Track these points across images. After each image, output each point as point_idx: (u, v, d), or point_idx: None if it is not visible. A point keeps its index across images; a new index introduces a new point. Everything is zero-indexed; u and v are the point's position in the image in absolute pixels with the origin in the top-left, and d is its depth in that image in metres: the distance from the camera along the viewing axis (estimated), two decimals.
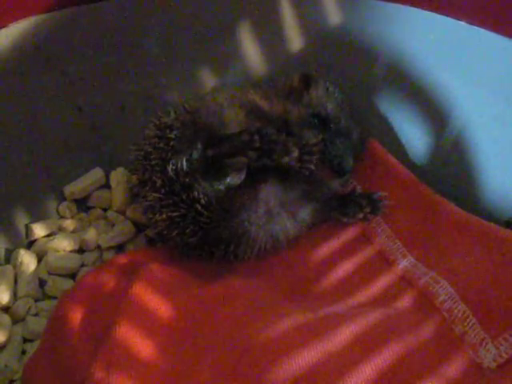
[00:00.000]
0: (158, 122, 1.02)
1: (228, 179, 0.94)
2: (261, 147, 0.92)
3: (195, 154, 0.95)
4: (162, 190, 0.95)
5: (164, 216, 0.95)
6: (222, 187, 0.94)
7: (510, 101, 0.97)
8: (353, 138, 1.07)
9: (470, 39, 0.99)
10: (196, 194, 0.93)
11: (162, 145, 0.97)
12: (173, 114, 1.02)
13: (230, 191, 0.94)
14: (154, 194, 0.96)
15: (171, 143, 0.96)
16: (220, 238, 0.95)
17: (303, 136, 1.01)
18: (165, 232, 0.99)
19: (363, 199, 1.04)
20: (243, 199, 0.95)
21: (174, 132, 0.97)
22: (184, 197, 0.93)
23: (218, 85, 1.19)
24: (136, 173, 1.04)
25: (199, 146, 0.95)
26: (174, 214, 0.94)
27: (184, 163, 0.94)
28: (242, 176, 0.94)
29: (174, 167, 0.94)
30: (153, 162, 0.97)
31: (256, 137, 0.92)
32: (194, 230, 0.95)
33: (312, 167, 0.95)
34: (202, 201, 0.93)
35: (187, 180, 0.93)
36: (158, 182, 0.95)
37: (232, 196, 0.94)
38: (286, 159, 0.93)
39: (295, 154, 0.93)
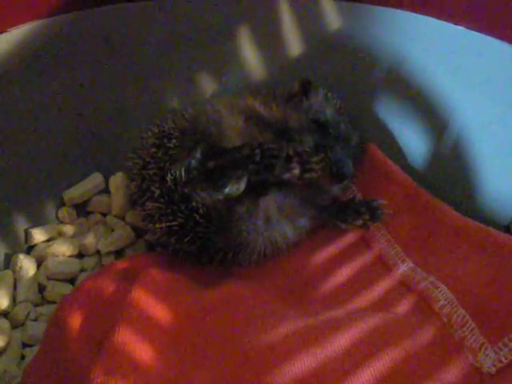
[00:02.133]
0: (156, 131, 1.02)
1: (227, 189, 0.93)
2: (261, 162, 0.92)
3: (194, 164, 0.94)
4: (161, 200, 0.95)
5: (163, 225, 0.95)
6: (220, 197, 0.93)
7: (509, 105, 0.97)
8: (352, 144, 1.07)
9: (469, 44, 0.99)
10: (194, 204, 0.93)
11: (160, 154, 0.97)
12: (171, 123, 1.02)
13: (229, 202, 0.94)
14: (153, 204, 0.96)
15: (169, 152, 0.96)
16: (218, 247, 0.96)
17: (303, 142, 1.01)
18: (163, 239, 0.99)
19: (362, 206, 1.04)
20: (242, 210, 0.95)
21: (173, 141, 0.97)
22: (182, 207, 0.93)
23: (217, 91, 1.20)
24: (134, 181, 1.03)
25: (198, 155, 0.95)
26: (173, 223, 0.94)
27: (183, 173, 0.94)
28: (242, 187, 0.94)
29: (172, 177, 0.94)
30: (151, 172, 0.97)
31: (257, 151, 0.92)
32: (192, 238, 0.95)
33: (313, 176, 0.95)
34: (201, 211, 0.93)
35: (186, 190, 0.93)
36: (157, 192, 0.96)
37: (231, 207, 0.94)
38: (286, 175, 0.92)
39: (296, 171, 0.92)
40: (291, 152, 0.94)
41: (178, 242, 0.96)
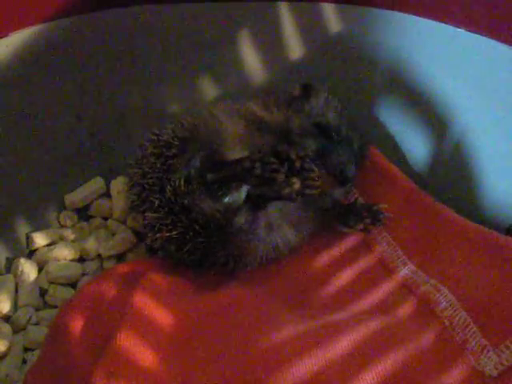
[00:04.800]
0: (155, 138, 1.01)
1: (227, 199, 0.93)
2: (262, 175, 0.92)
3: (193, 174, 0.94)
4: (160, 210, 0.95)
5: (162, 234, 0.95)
6: (220, 208, 0.92)
7: (510, 107, 0.97)
8: (354, 147, 1.07)
9: (470, 46, 0.99)
10: (194, 214, 0.93)
11: (159, 164, 0.97)
12: (170, 132, 1.01)
13: (229, 213, 0.93)
14: (152, 215, 0.96)
15: (168, 162, 0.96)
16: (219, 256, 0.95)
17: (305, 146, 1.01)
18: (164, 247, 0.98)
19: (364, 210, 1.04)
20: (241, 221, 0.94)
21: (172, 150, 0.97)
22: (182, 217, 0.93)
23: (217, 96, 1.20)
24: (134, 189, 1.03)
25: (197, 164, 0.95)
26: (173, 232, 0.94)
27: (182, 183, 0.93)
28: (242, 196, 0.93)
29: (171, 188, 0.94)
30: (150, 181, 0.97)
31: (257, 164, 0.92)
32: (192, 248, 0.95)
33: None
34: (200, 221, 0.93)
35: (185, 201, 0.93)
36: (156, 203, 0.95)
37: (230, 218, 0.93)
38: (286, 191, 0.92)
39: (296, 186, 0.92)
40: (293, 156, 0.94)
41: (178, 251, 0.96)
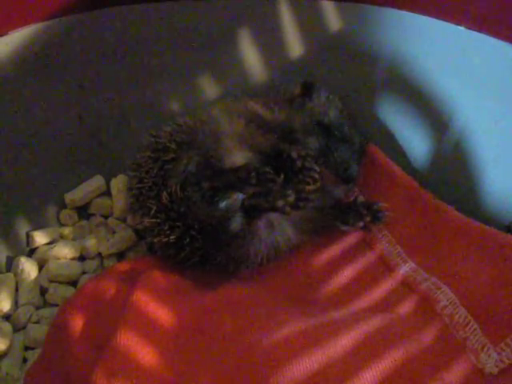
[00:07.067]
0: (153, 141, 1.01)
1: (223, 204, 0.92)
2: (257, 184, 0.91)
3: (189, 179, 0.94)
4: (157, 216, 0.95)
5: (161, 238, 0.95)
6: (216, 213, 0.92)
7: (510, 104, 0.97)
8: (356, 145, 1.07)
9: (470, 44, 0.99)
10: (190, 220, 0.93)
11: (156, 170, 0.96)
12: (168, 135, 1.00)
13: (224, 221, 0.93)
14: (150, 220, 0.96)
15: (165, 167, 0.96)
16: (218, 260, 0.95)
17: (307, 143, 1.01)
18: (163, 249, 0.98)
19: (364, 208, 1.03)
20: (237, 229, 0.93)
21: (170, 155, 0.96)
22: (179, 223, 0.93)
23: (217, 94, 1.19)
24: (132, 191, 1.02)
25: (193, 170, 0.94)
26: (171, 237, 0.93)
27: (178, 189, 0.93)
28: (239, 201, 0.93)
29: (167, 194, 0.94)
30: (147, 187, 0.97)
31: (253, 174, 0.91)
32: (190, 252, 0.94)
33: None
34: (197, 227, 0.92)
35: (182, 209, 0.93)
36: (153, 208, 0.95)
37: (226, 226, 0.93)
38: (280, 203, 0.90)
39: (291, 198, 0.90)
40: (295, 155, 0.94)
41: (176, 255, 0.96)
